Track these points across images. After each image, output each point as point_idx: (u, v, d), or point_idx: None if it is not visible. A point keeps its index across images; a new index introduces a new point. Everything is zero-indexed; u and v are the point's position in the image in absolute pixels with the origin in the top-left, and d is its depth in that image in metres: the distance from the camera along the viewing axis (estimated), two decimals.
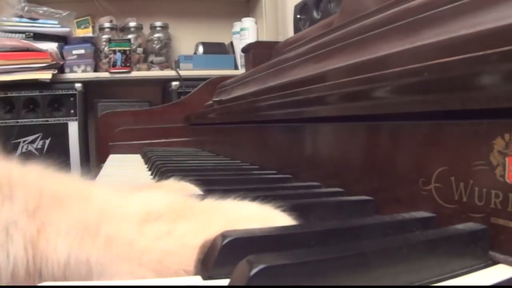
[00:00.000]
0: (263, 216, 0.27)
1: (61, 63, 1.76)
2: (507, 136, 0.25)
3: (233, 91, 0.97)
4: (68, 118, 1.75)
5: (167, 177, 0.51)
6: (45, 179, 0.26)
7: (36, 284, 0.22)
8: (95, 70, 1.87)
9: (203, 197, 0.33)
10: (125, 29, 1.98)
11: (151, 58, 2.00)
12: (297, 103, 0.51)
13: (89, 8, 2.01)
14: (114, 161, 1.04)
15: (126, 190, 0.29)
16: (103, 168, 0.85)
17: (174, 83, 1.85)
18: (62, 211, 0.24)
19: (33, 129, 1.71)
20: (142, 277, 0.23)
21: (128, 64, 1.84)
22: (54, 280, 0.23)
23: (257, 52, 1.15)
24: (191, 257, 0.24)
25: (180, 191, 0.36)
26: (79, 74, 1.81)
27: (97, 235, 0.24)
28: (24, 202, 0.24)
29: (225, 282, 0.22)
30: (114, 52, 1.82)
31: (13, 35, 1.69)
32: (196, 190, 0.39)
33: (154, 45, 2.00)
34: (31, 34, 1.70)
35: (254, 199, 0.29)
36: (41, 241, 0.23)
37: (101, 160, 1.23)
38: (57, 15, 1.81)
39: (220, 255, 0.23)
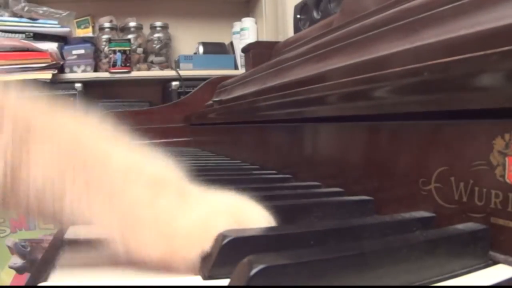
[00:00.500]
0: (235, 210, 0.28)
1: (61, 63, 1.76)
2: (507, 136, 0.25)
3: (233, 91, 0.97)
4: None
5: None
6: (37, 112, 0.27)
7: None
8: (95, 70, 1.87)
9: None
10: (125, 29, 1.98)
11: (151, 58, 2.00)
12: (297, 103, 0.51)
13: (89, 8, 2.01)
14: None
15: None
16: None
17: (174, 83, 1.84)
18: (48, 144, 0.25)
19: None
20: (107, 225, 0.24)
21: (128, 64, 1.84)
22: (28, 206, 0.24)
23: (257, 52, 1.15)
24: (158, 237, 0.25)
25: None
26: (79, 74, 1.81)
27: (78, 176, 0.25)
28: (12, 132, 0.24)
29: (225, 282, 0.22)
30: (114, 52, 1.81)
31: (13, 35, 1.69)
32: None
33: (154, 45, 2.00)
34: (31, 34, 1.70)
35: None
36: (23, 170, 0.24)
37: None
38: (57, 15, 1.81)
39: (220, 255, 0.23)
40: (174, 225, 0.25)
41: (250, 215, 0.28)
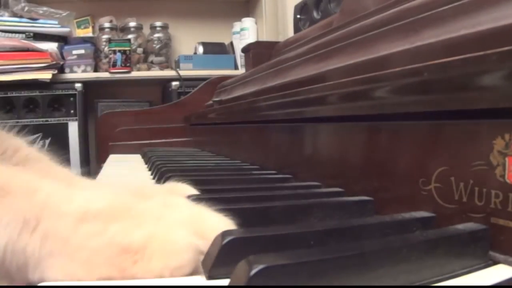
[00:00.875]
0: (194, 221, 0.28)
1: (61, 63, 1.76)
2: (507, 136, 0.25)
3: (233, 91, 0.97)
4: (68, 118, 1.75)
5: (167, 177, 0.51)
6: None
7: None
8: (95, 70, 1.87)
9: (195, 196, 0.34)
10: (125, 29, 1.98)
11: (151, 58, 2.00)
12: (297, 103, 0.51)
13: (89, 8, 2.01)
14: (114, 161, 1.04)
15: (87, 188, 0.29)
16: (103, 168, 0.85)
17: (174, 83, 1.84)
18: (6, 202, 0.26)
19: (33, 129, 1.71)
20: (74, 273, 0.24)
21: (128, 64, 1.84)
22: None
23: (257, 52, 1.15)
24: (115, 256, 0.25)
25: (176, 193, 0.38)
26: (79, 74, 1.81)
27: (35, 229, 0.25)
28: None
29: (225, 282, 0.22)
30: (114, 52, 1.82)
31: (13, 35, 1.69)
32: (193, 191, 0.40)
33: (154, 45, 2.00)
34: (31, 34, 1.70)
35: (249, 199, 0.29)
36: None
37: (101, 160, 1.23)
38: (57, 15, 1.81)
39: (220, 255, 0.23)
40: (128, 240, 0.25)
41: (209, 222, 0.28)
